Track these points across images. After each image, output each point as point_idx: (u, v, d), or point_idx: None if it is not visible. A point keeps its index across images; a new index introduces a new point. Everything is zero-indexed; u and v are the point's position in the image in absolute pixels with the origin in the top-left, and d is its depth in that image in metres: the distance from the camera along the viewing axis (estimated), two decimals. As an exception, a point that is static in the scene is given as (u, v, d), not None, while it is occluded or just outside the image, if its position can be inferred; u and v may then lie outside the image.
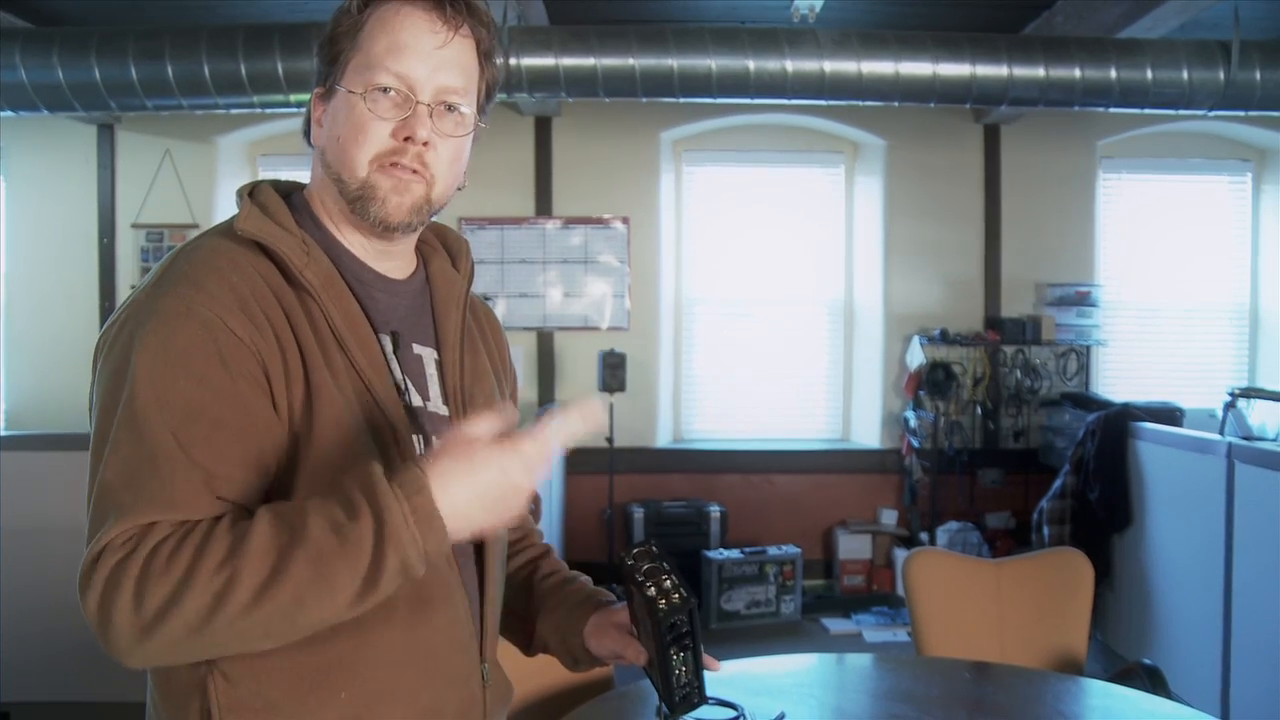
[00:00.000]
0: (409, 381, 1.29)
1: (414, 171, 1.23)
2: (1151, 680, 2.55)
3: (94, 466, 1.10)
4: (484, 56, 1.29)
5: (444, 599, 1.25)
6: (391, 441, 1.23)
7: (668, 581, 1.22)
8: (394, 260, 1.33)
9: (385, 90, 1.22)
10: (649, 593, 1.22)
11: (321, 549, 1.03)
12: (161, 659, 1.10)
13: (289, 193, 1.32)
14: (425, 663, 1.24)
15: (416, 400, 1.30)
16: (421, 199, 1.25)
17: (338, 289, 1.23)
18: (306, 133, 1.31)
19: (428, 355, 1.34)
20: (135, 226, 6.01)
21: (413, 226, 1.28)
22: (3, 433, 5.67)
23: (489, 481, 1.09)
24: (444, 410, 1.33)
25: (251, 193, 1.27)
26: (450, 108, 1.25)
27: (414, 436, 1.26)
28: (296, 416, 1.16)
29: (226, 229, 1.23)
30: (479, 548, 1.34)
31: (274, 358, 1.15)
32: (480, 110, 1.31)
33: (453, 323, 1.37)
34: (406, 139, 1.22)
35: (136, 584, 1.02)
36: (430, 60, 1.23)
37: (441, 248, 1.43)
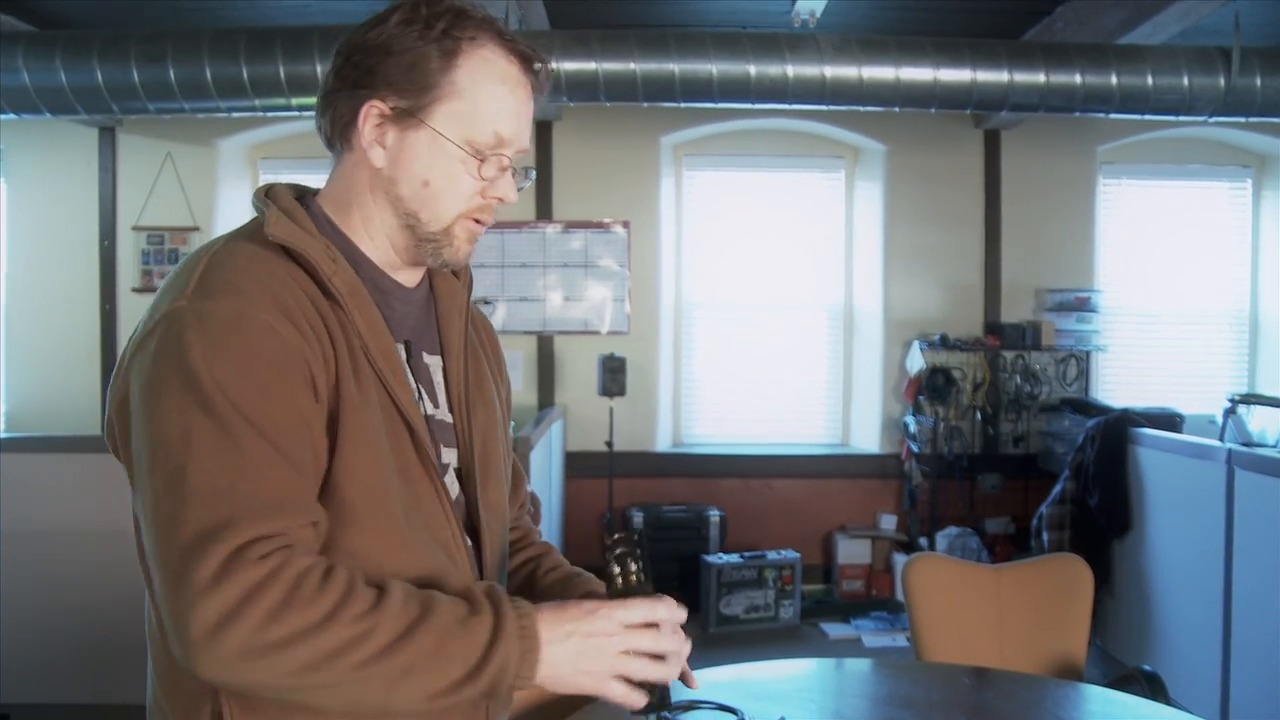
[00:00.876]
0: (421, 389, 1.30)
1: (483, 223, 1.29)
2: (1151, 686, 2.54)
3: (167, 472, 1.05)
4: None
5: None
6: (412, 450, 1.23)
7: (633, 565, 1.23)
8: (410, 270, 1.33)
9: (485, 150, 1.24)
10: (612, 571, 1.25)
11: (447, 629, 1.08)
12: (245, 682, 1.04)
13: (299, 196, 1.31)
14: None
15: (428, 408, 1.31)
16: (477, 241, 1.32)
17: (361, 297, 1.23)
18: (340, 135, 1.27)
19: (434, 363, 1.35)
20: (136, 229, 6.02)
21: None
22: (3, 435, 5.67)
23: (594, 646, 1.15)
24: (449, 418, 1.34)
25: (267, 194, 1.26)
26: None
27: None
28: (327, 425, 1.17)
29: (253, 233, 1.22)
30: (477, 546, 1.35)
31: (318, 366, 1.15)
32: None
33: (456, 331, 1.38)
34: (498, 199, 1.27)
35: (277, 605, 1.01)
36: (523, 124, 1.27)
37: None
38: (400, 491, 1.21)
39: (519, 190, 1.31)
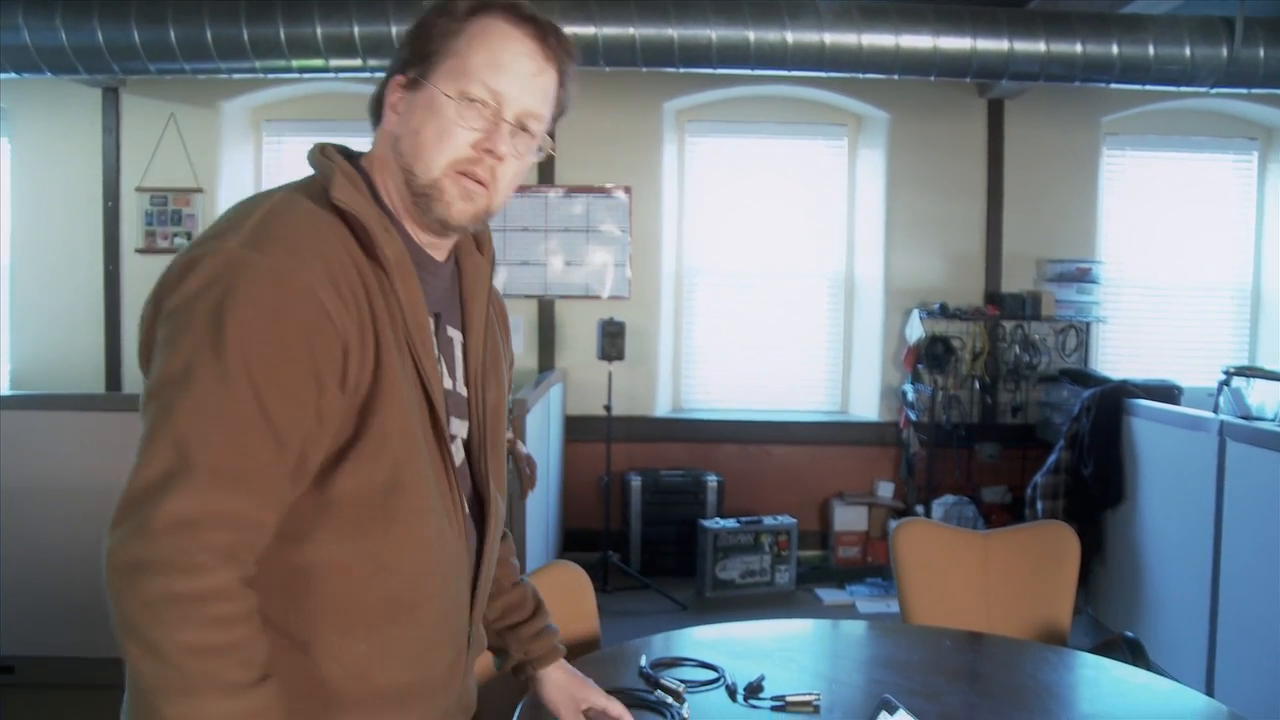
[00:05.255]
0: (443, 363, 1.34)
1: (481, 183, 1.28)
2: (1132, 652, 2.59)
3: (160, 405, 1.09)
4: (562, 88, 1.35)
5: (461, 571, 1.35)
6: (428, 418, 1.27)
7: None
8: (439, 244, 1.36)
9: (476, 101, 1.26)
10: None
11: None
12: (116, 601, 1.11)
13: (349, 158, 1.33)
14: (439, 623, 1.33)
15: (447, 382, 1.34)
16: (484, 209, 1.30)
17: (406, 268, 1.26)
18: (375, 112, 1.33)
19: (456, 337, 1.40)
20: (139, 190, 6.03)
21: (469, 230, 1.34)
22: (7, 393, 5.72)
23: None
24: (464, 392, 1.39)
25: (323, 153, 1.29)
26: (526, 129, 1.30)
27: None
28: (363, 391, 1.19)
29: (315, 192, 1.24)
30: (482, 511, 1.41)
31: (354, 335, 1.17)
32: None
33: (480, 308, 1.42)
34: (487, 151, 1.27)
35: (191, 596, 1.06)
36: (522, 83, 1.28)
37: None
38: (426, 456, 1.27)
39: (531, 158, 1.33)
